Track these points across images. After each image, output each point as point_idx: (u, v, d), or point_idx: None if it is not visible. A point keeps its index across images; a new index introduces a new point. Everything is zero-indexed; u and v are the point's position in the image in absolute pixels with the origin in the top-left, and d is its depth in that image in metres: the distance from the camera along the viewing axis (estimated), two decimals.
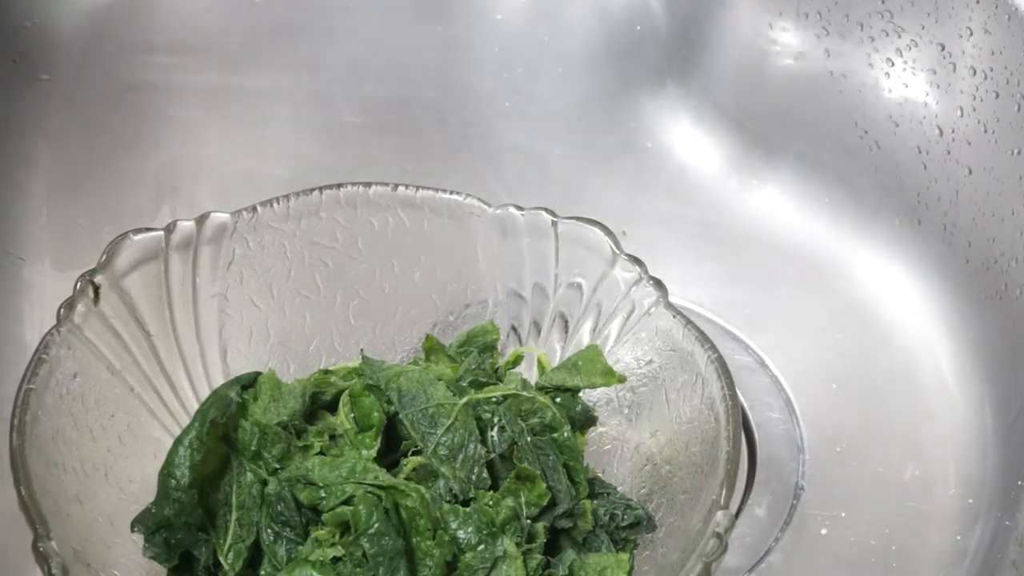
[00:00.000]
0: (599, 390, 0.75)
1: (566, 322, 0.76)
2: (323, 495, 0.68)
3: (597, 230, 0.74)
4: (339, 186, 0.76)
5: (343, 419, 0.72)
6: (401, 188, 0.76)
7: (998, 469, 0.82)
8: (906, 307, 0.91)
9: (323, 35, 1.02)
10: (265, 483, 0.70)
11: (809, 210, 0.96)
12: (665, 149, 0.99)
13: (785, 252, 0.94)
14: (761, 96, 0.97)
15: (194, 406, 0.73)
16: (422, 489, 0.69)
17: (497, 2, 1.04)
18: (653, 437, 0.73)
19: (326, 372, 0.76)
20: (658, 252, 0.88)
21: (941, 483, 0.83)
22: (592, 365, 0.74)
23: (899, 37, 0.88)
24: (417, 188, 0.76)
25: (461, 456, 0.70)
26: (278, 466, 0.70)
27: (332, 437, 0.72)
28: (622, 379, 0.74)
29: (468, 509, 0.68)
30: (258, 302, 0.76)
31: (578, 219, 0.75)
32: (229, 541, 0.69)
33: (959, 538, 0.80)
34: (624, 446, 0.74)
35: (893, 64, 0.90)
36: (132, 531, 0.68)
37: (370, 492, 0.67)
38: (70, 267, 0.72)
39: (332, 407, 0.73)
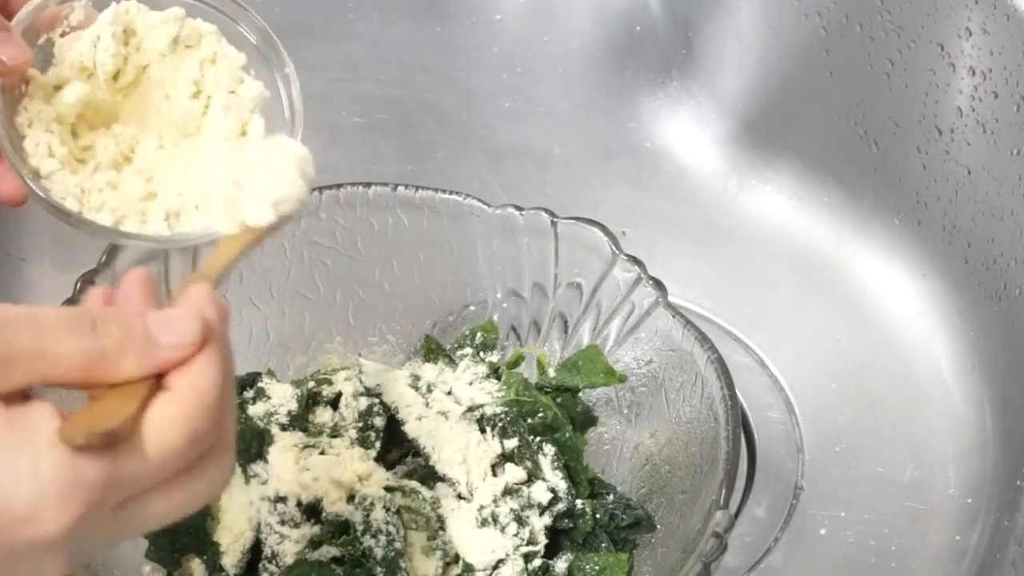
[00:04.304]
0: (599, 390, 0.75)
1: (565, 322, 0.76)
2: (323, 495, 0.68)
3: (597, 230, 0.74)
4: (339, 186, 0.76)
5: (344, 419, 0.72)
6: (401, 188, 0.76)
7: (998, 469, 0.82)
8: (906, 307, 0.91)
9: (323, 35, 1.02)
10: (265, 483, 0.70)
11: (809, 210, 0.96)
12: (665, 149, 0.99)
13: (785, 252, 0.94)
14: (761, 96, 0.97)
15: None
16: (422, 489, 0.69)
17: (497, 2, 1.04)
18: (653, 437, 0.73)
19: (326, 372, 0.76)
20: (658, 252, 0.88)
21: (941, 483, 0.83)
22: (592, 365, 0.74)
23: (899, 37, 0.88)
24: (417, 188, 0.76)
25: (461, 457, 0.70)
26: None
27: (333, 437, 0.72)
28: (623, 379, 0.74)
29: (468, 508, 0.68)
30: (258, 302, 0.76)
31: (578, 219, 0.75)
32: (229, 542, 0.69)
33: (959, 538, 0.79)
34: (624, 446, 0.74)
35: (893, 64, 0.90)
36: None
37: (370, 492, 0.67)
38: (70, 267, 0.72)
39: (332, 407, 0.73)
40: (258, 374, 0.74)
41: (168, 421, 0.45)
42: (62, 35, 0.60)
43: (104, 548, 0.46)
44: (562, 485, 0.70)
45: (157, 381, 0.46)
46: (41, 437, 0.43)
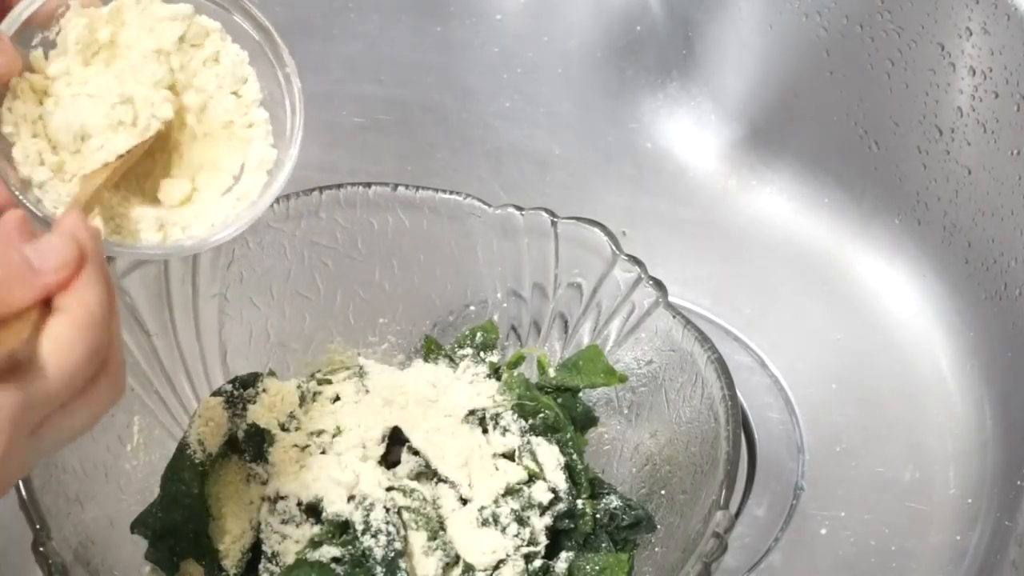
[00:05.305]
0: (599, 390, 0.75)
1: (566, 322, 0.76)
2: (323, 495, 0.68)
3: (597, 230, 0.74)
4: (339, 186, 0.76)
5: (344, 419, 0.72)
6: (401, 188, 0.76)
7: (998, 469, 0.82)
8: (906, 307, 0.91)
9: (323, 35, 1.02)
10: (265, 483, 0.70)
11: (809, 210, 0.96)
12: (665, 149, 0.99)
13: (785, 252, 0.94)
14: (761, 96, 0.97)
15: (194, 406, 0.73)
16: (423, 489, 0.69)
17: (497, 2, 1.04)
18: (653, 437, 0.73)
19: (326, 372, 0.76)
20: (658, 252, 0.88)
21: (941, 483, 0.83)
22: (593, 365, 0.74)
23: (899, 37, 0.88)
24: (417, 188, 0.76)
25: (463, 459, 0.70)
26: None
27: (333, 436, 0.72)
28: (623, 379, 0.74)
29: (468, 509, 0.68)
30: (258, 302, 0.76)
31: (578, 219, 0.75)
32: (229, 542, 0.69)
33: (959, 538, 0.79)
34: (624, 446, 0.74)
35: (893, 64, 0.90)
36: (132, 532, 0.68)
37: (370, 492, 0.67)
38: None
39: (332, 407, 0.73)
40: (258, 374, 0.74)
41: (63, 338, 0.48)
42: (57, 34, 0.60)
43: (19, 475, 0.49)
44: (563, 485, 0.70)
45: (46, 307, 0.48)
46: None
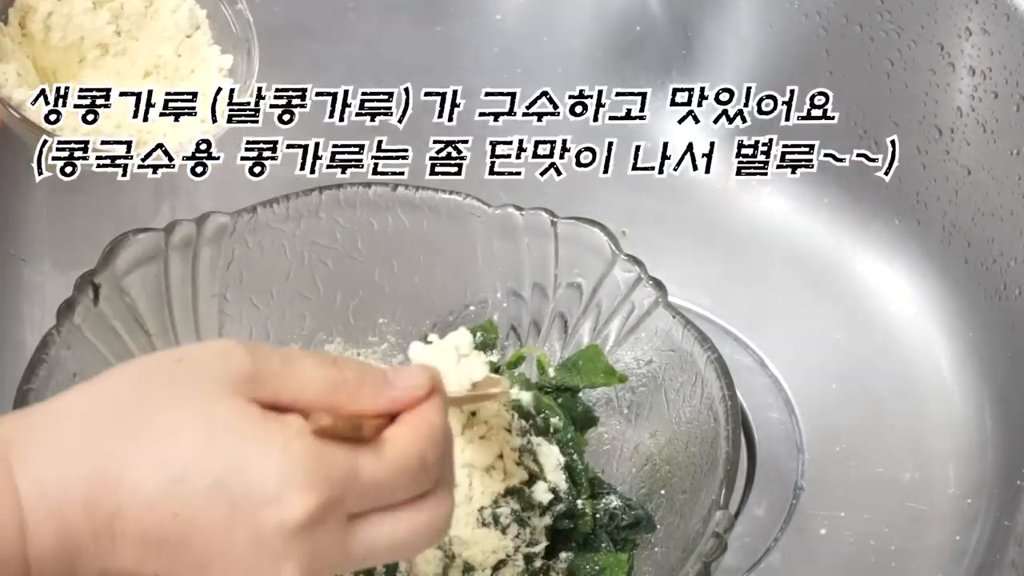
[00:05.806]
0: (599, 390, 0.75)
1: (565, 322, 0.76)
2: None
3: (597, 230, 0.74)
4: (339, 186, 0.76)
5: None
6: (401, 188, 0.76)
7: (998, 469, 0.82)
8: (906, 307, 0.91)
9: (323, 35, 1.02)
10: None
11: (809, 210, 0.96)
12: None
13: (785, 252, 0.94)
14: (760, 96, 0.97)
15: None
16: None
17: (497, 2, 1.04)
18: (653, 437, 0.73)
19: None
20: (658, 252, 0.88)
21: (941, 483, 0.83)
22: (593, 364, 0.74)
23: (899, 37, 0.88)
24: (417, 188, 0.76)
25: (463, 459, 0.70)
26: None
27: None
28: (623, 378, 0.74)
29: (468, 509, 0.68)
30: (258, 302, 0.76)
31: (578, 219, 0.75)
32: None
33: (958, 538, 0.80)
34: (624, 446, 0.74)
35: (893, 64, 0.90)
36: None
37: None
38: (70, 267, 0.72)
39: None
40: None
41: (403, 439, 0.49)
42: None
43: (332, 571, 0.48)
44: (563, 485, 0.70)
45: (390, 421, 0.50)
46: (292, 428, 0.47)
